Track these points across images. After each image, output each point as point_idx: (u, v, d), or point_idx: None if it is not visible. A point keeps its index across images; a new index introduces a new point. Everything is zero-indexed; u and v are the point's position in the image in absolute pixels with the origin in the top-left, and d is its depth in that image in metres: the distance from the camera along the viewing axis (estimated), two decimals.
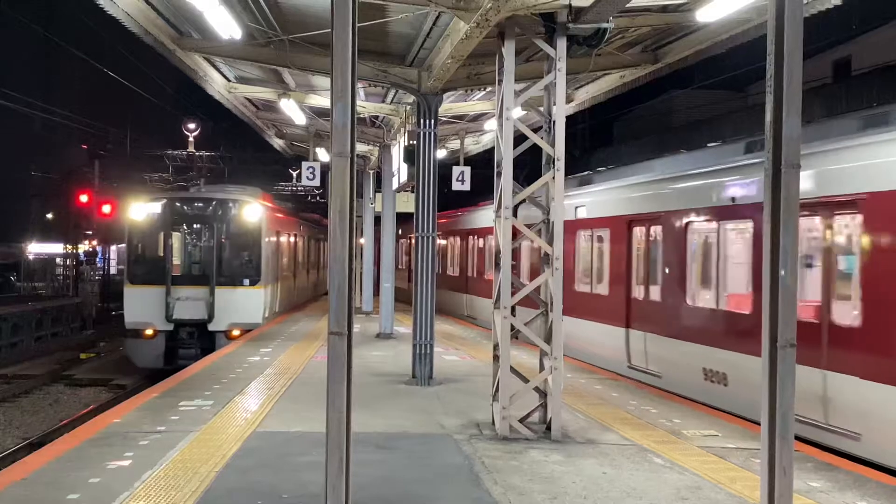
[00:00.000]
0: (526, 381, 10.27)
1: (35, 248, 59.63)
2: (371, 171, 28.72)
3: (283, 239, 27.78)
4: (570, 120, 14.37)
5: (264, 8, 12.14)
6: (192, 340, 21.86)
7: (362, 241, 29.69)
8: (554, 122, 10.13)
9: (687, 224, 13.71)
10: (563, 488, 7.82)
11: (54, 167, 60.29)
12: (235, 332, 21.65)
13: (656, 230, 14.88)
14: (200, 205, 23.15)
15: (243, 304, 22.29)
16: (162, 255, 22.35)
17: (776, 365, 5.37)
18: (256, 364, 15.70)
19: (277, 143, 27.24)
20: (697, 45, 12.49)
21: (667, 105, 39.08)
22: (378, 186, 26.52)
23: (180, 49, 13.87)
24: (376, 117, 21.51)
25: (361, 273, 29.27)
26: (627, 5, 9.62)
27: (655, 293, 14.82)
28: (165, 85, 39.46)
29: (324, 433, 5.34)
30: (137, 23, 12.06)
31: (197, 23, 12.95)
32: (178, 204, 23.04)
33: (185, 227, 22.98)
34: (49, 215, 65.66)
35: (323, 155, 23.72)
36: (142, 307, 21.94)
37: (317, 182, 21.51)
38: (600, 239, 17.16)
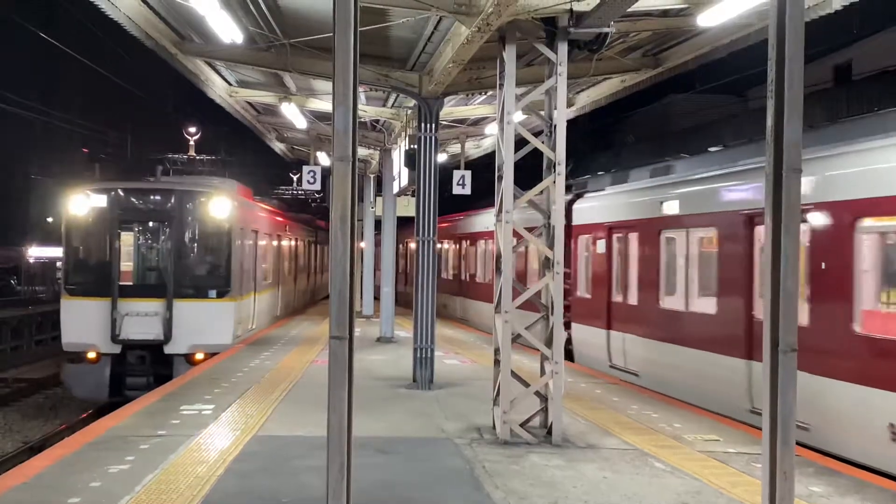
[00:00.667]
0: (527, 385, 10.26)
1: (35, 252, 59.63)
2: (372, 175, 28.75)
3: (265, 241, 23.99)
4: (571, 123, 14.33)
5: (265, 12, 12.15)
6: (144, 366, 17.85)
7: (363, 244, 29.69)
8: (555, 126, 10.15)
9: (854, 220, 9.80)
10: (563, 493, 7.82)
11: (55, 170, 60.27)
12: (199, 356, 17.76)
13: None
14: (156, 197, 18.77)
15: (209, 320, 18.18)
16: (108, 259, 18.27)
17: (777, 370, 5.37)
18: (257, 368, 15.69)
19: (278, 146, 27.27)
20: (698, 49, 12.50)
21: (667, 109, 39.05)
22: (379, 190, 26.56)
23: (181, 53, 13.89)
24: (377, 121, 21.52)
25: (362, 277, 29.28)
26: (628, 10, 9.63)
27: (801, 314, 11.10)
28: (166, 88, 39.53)
29: (324, 437, 5.33)
30: (138, 26, 12.08)
31: (198, 27, 12.97)
32: (128, 196, 18.63)
33: (136, 225, 18.79)
34: (49, 219, 65.68)
35: (324, 159, 23.75)
36: (82, 324, 17.81)
37: (318, 186, 21.49)
38: (702, 242, 13.81)
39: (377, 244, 28.92)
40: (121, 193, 18.51)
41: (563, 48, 9.99)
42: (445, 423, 10.95)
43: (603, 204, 17.26)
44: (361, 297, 28.69)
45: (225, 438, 9.77)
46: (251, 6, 11.88)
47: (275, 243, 25.80)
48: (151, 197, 18.82)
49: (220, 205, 18.63)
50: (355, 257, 5.41)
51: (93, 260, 18.90)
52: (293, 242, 30.44)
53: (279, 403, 12.10)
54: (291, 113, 18.73)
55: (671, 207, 14.48)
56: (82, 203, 18.39)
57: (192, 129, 40.19)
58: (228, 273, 18.72)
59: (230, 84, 17.71)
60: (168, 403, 11.92)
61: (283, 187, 49.20)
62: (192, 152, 40.62)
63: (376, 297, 26.33)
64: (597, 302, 17.05)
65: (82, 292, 18.14)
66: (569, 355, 17.93)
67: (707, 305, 13.08)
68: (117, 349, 17.73)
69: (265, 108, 20.71)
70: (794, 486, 5.40)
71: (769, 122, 5.45)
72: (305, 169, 21.44)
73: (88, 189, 18.60)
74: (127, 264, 18.69)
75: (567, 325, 17.78)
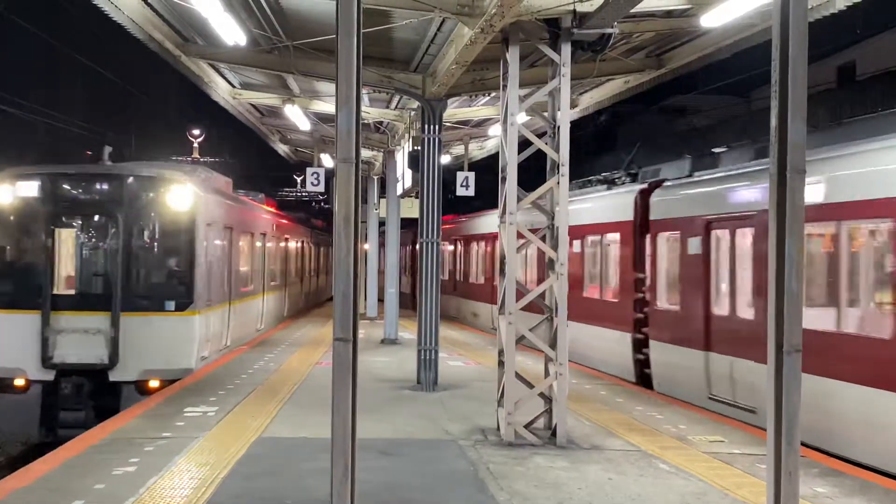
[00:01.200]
0: (531, 386, 10.25)
1: None
2: (376, 177, 28.77)
3: (246, 241, 20.37)
4: (574, 124, 14.30)
5: (269, 14, 12.17)
6: (82, 398, 14.01)
7: (367, 246, 29.70)
8: (558, 127, 10.14)
9: None
10: (568, 494, 7.80)
11: None
12: (153, 384, 14.18)
13: None
14: (101, 186, 14.94)
15: (165, 339, 14.54)
16: (38, 263, 14.59)
17: (782, 370, 5.37)
18: (261, 369, 15.69)
19: (282, 148, 27.31)
20: (701, 50, 12.50)
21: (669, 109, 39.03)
22: (383, 192, 26.58)
23: (185, 55, 13.93)
24: (381, 123, 21.54)
25: (366, 279, 29.27)
26: (632, 10, 9.63)
27: None
28: (170, 91, 39.57)
29: (329, 439, 5.33)
30: (142, 29, 12.13)
31: (202, 29, 12.99)
32: (64, 184, 14.91)
33: (76, 220, 14.97)
34: None
35: (327, 160, 23.76)
36: (7, 344, 14.22)
37: (321, 188, 21.51)
38: (853, 236, 10.12)
39: (381, 245, 28.98)
40: (56, 181, 14.86)
41: (566, 49, 9.97)
42: (449, 425, 10.94)
43: (698, 193, 13.77)
44: (365, 299, 28.68)
45: (229, 440, 9.76)
46: (254, 8, 11.90)
47: (259, 244, 22.27)
48: (95, 185, 14.99)
49: (180, 195, 14.91)
50: (359, 259, 5.41)
51: (20, 263, 15.12)
52: (283, 243, 27.08)
53: (283, 405, 12.09)
54: (295, 115, 18.75)
55: (816, 193, 10.08)
56: (7, 193, 14.69)
57: (196, 132, 40.31)
58: (191, 280, 15.01)
59: (233, 86, 17.74)
60: (173, 405, 11.92)
61: (287, 189, 49.27)
62: (196, 154, 40.76)
63: (380, 299, 26.34)
64: (689, 315, 13.40)
65: (7, 304, 14.46)
66: (645, 380, 14.85)
67: (879, 326, 9.41)
68: (50, 375, 13.99)
69: (269, 110, 20.73)
70: (798, 486, 5.39)
71: (773, 122, 5.44)
72: (309, 171, 21.48)
73: (15, 175, 14.87)
74: (64, 269, 15.13)
75: (642, 344, 14.94)
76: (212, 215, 16.24)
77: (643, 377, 14.93)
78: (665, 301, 14.49)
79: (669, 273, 14.45)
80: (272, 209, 26.81)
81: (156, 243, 15.28)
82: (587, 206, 17.62)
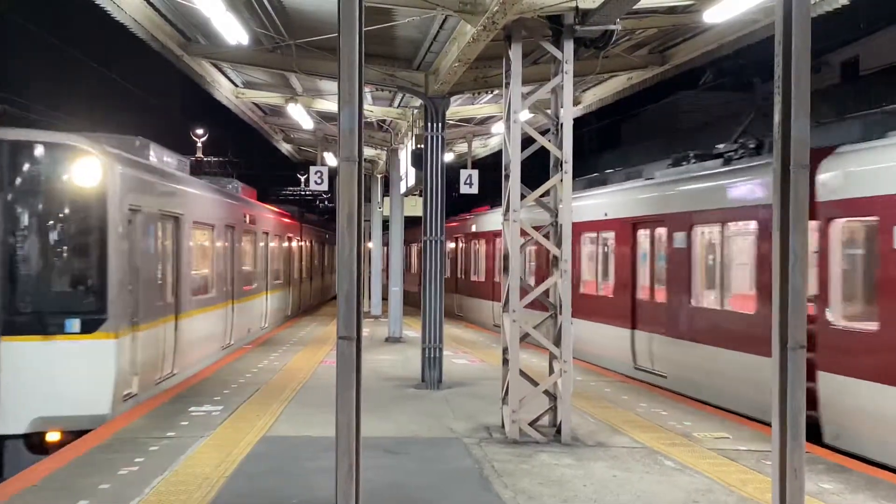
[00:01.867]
0: (535, 384, 10.25)
1: None
2: (379, 176, 28.77)
3: (203, 236, 16.16)
4: (577, 122, 14.28)
5: (271, 13, 12.17)
6: None
7: (370, 245, 29.70)
8: (561, 124, 10.13)
9: None
10: (573, 492, 7.80)
11: None
12: (52, 436, 10.34)
13: None
14: None
15: (68, 373, 10.43)
16: None
17: (786, 367, 5.36)
18: (265, 369, 15.69)
19: (285, 147, 27.30)
20: (705, 46, 12.48)
21: (673, 106, 38.95)
22: (386, 190, 26.60)
23: (187, 55, 13.92)
24: (384, 121, 21.53)
25: (370, 277, 29.29)
26: (634, 7, 9.61)
27: None
28: (172, 91, 39.57)
29: (333, 438, 5.33)
30: (144, 28, 12.11)
31: (204, 28, 12.99)
32: None
33: None
34: None
35: (331, 159, 23.74)
36: None
37: (325, 186, 21.50)
38: None
39: (385, 244, 29.00)
40: None
41: (569, 46, 9.97)
42: (454, 423, 10.94)
43: None
44: (370, 298, 28.69)
45: (234, 439, 9.77)
46: (256, 7, 11.90)
47: (225, 241, 17.76)
48: None
49: (84, 168, 10.73)
50: (363, 258, 5.42)
51: None
52: (263, 240, 22.56)
53: (288, 404, 12.09)
54: (298, 114, 18.75)
55: None
56: None
57: (199, 131, 40.33)
58: (103, 287, 10.76)
59: (236, 85, 17.72)
60: (177, 405, 11.92)
61: (291, 188, 49.31)
62: (199, 154, 40.78)
63: (384, 298, 26.35)
64: None
65: None
66: (810, 430, 9.23)
67: None
68: None
69: (272, 109, 20.72)
70: (804, 482, 5.38)
71: (776, 118, 5.43)
72: (312, 169, 21.49)
73: None
74: None
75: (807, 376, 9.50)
76: (140, 199, 11.98)
77: (809, 424, 10.28)
78: (844, 317, 10.16)
79: (859, 277, 10.24)
80: (250, 199, 22.55)
81: (50, 236, 10.89)
82: (690, 188, 14.14)
